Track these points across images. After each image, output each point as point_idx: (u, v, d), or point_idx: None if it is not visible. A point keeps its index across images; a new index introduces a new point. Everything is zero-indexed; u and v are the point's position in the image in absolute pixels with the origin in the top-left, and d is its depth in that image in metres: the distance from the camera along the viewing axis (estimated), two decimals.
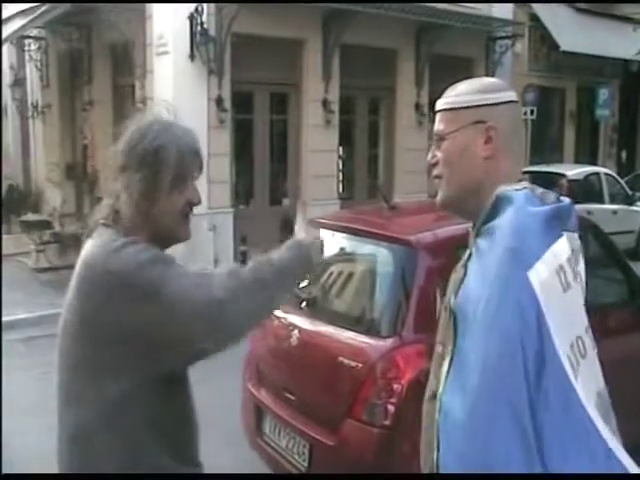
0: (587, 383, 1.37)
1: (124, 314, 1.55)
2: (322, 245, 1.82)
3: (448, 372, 1.44)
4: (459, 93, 1.59)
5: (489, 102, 1.55)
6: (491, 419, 1.32)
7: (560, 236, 1.43)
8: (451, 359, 1.45)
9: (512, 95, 1.59)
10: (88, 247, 1.68)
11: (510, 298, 1.35)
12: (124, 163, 1.67)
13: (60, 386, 1.68)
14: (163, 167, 1.65)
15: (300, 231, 1.82)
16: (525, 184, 1.52)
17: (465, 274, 1.49)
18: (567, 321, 1.38)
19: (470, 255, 1.51)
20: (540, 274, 1.37)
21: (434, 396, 1.53)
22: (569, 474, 1.30)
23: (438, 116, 1.62)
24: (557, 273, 1.39)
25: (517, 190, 1.49)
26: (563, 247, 1.42)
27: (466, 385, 1.36)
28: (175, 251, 1.86)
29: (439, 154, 1.60)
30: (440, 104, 1.63)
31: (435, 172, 1.62)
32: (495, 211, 1.49)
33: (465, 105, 1.56)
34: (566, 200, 1.49)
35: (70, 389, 1.65)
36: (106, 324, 1.56)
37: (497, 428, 1.31)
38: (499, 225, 1.45)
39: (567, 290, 1.40)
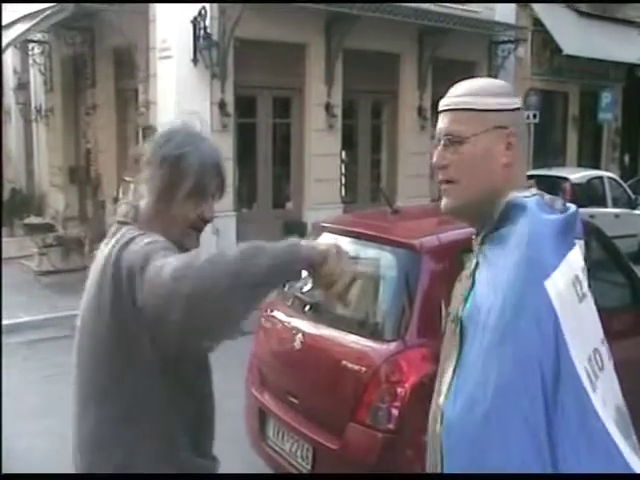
0: (606, 396, 1.34)
1: (129, 304, 1.52)
2: (338, 253, 1.55)
3: (451, 383, 1.41)
4: (473, 93, 1.51)
5: (509, 107, 1.51)
6: (506, 431, 1.29)
7: (573, 245, 1.41)
8: (454, 369, 1.42)
9: (520, 101, 1.58)
10: (104, 247, 1.69)
11: (526, 308, 1.32)
12: (149, 159, 1.71)
13: (80, 384, 1.69)
14: (183, 174, 1.67)
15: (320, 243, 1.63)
16: (535, 190, 1.50)
17: (473, 283, 1.46)
18: (583, 333, 1.36)
19: (477, 264, 1.48)
20: (557, 284, 1.34)
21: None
22: (570, 474, 1.28)
23: (452, 115, 1.52)
24: (573, 284, 1.37)
25: (528, 197, 1.47)
26: (577, 256, 1.40)
27: (475, 396, 1.33)
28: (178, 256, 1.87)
29: (452, 156, 1.51)
30: (451, 103, 1.53)
31: (445, 176, 1.53)
32: (505, 218, 1.47)
33: (487, 108, 1.50)
34: (572, 206, 1.47)
35: (91, 386, 1.66)
36: (118, 315, 1.57)
37: (513, 440, 1.28)
38: (512, 233, 1.42)
39: (582, 301, 1.38)
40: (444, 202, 1.55)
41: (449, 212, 1.56)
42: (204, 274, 1.38)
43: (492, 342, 1.34)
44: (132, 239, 1.60)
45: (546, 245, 1.38)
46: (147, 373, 1.60)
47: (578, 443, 1.28)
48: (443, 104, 1.55)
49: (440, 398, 1.44)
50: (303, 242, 1.54)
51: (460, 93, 1.53)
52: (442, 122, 1.54)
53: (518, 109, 1.54)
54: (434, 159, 1.54)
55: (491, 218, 1.50)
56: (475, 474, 1.35)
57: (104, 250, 1.68)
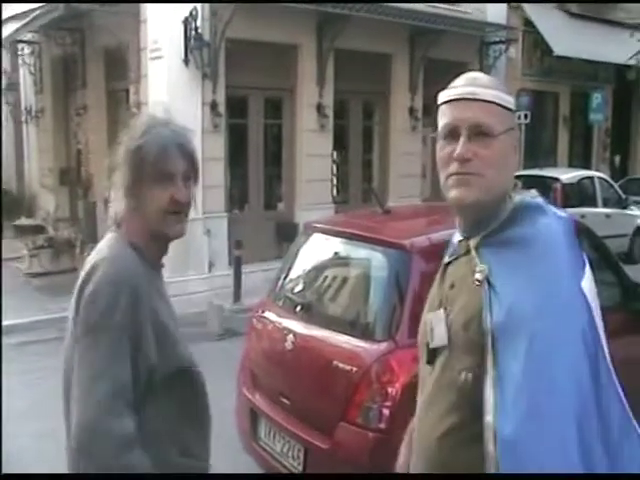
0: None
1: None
2: None
3: (495, 398, 1.31)
4: (496, 86, 1.45)
5: (514, 109, 1.49)
6: (564, 439, 1.25)
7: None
8: (494, 380, 1.32)
9: None
10: (94, 251, 1.75)
11: (571, 313, 1.31)
12: (113, 163, 1.74)
13: (65, 384, 1.70)
14: (143, 163, 1.69)
15: None
16: (536, 193, 1.49)
17: (490, 290, 1.37)
18: (602, 327, 1.38)
19: (490, 270, 1.39)
20: (588, 282, 1.36)
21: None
22: (572, 474, 1.27)
23: (480, 106, 1.42)
24: (593, 281, 1.39)
25: (534, 198, 1.46)
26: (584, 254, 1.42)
27: (529, 408, 1.26)
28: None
29: (479, 150, 1.41)
30: (478, 93, 1.42)
31: (466, 169, 1.42)
32: (515, 220, 1.42)
33: (509, 106, 1.46)
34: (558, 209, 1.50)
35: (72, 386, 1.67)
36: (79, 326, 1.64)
37: (570, 447, 1.25)
38: (533, 234, 1.38)
39: (597, 297, 1.40)
40: (463, 193, 1.43)
41: (469, 204, 1.45)
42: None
43: (542, 349, 1.28)
44: (93, 270, 1.65)
45: (572, 244, 1.37)
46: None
47: (623, 435, 1.32)
48: (466, 92, 1.44)
49: (488, 417, 1.32)
50: None
51: (486, 84, 1.45)
52: (462, 111, 1.43)
53: None
54: (458, 149, 1.42)
55: (491, 219, 1.46)
56: (475, 474, 1.34)
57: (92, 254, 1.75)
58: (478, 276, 1.39)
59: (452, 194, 1.44)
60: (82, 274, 1.68)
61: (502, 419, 1.28)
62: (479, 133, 1.41)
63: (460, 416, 1.41)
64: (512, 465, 1.27)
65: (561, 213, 1.46)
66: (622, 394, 1.36)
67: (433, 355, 1.50)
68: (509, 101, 1.45)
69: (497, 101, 1.42)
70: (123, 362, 1.56)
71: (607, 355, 1.35)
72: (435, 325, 1.49)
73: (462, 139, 1.41)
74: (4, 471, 3.96)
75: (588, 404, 1.27)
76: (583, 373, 1.28)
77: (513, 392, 1.28)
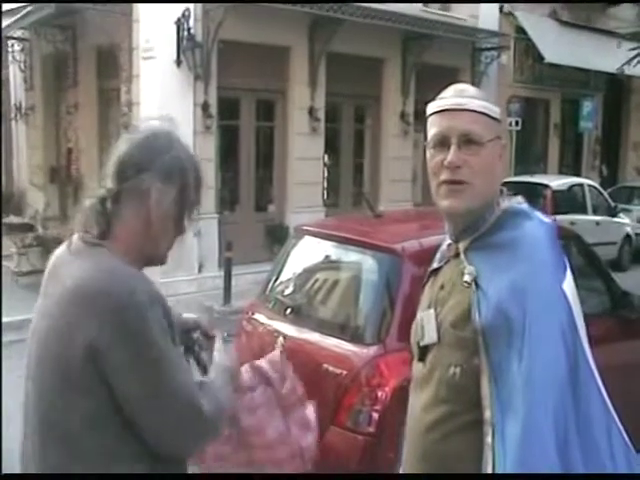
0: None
1: (120, 360, 1.41)
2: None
3: (492, 394, 1.40)
4: (483, 97, 1.51)
5: (500, 118, 1.55)
6: (548, 431, 1.33)
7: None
8: (489, 380, 1.40)
9: None
10: (77, 268, 1.49)
11: (552, 312, 1.38)
12: (145, 166, 1.51)
13: (35, 392, 1.53)
14: (187, 189, 1.55)
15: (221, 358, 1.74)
16: (522, 199, 1.55)
17: (478, 290, 1.44)
18: (583, 328, 1.45)
19: (477, 271, 1.47)
20: (569, 284, 1.42)
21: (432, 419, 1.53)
22: (573, 474, 1.33)
23: (469, 115, 1.49)
24: (573, 283, 1.45)
25: (521, 204, 1.53)
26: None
27: (523, 404, 1.34)
28: None
29: (468, 158, 1.48)
30: (473, 104, 1.49)
31: (456, 176, 1.49)
32: (502, 224, 1.50)
33: (495, 116, 1.52)
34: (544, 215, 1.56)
35: (44, 397, 1.51)
36: (85, 350, 1.41)
37: (547, 439, 1.32)
38: (517, 237, 1.45)
39: (578, 298, 1.46)
40: (454, 202, 1.50)
41: (460, 213, 1.53)
42: (225, 414, 1.59)
43: (532, 349, 1.35)
44: (126, 281, 1.44)
45: (557, 248, 1.45)
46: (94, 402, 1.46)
47: (599, 424, 1.39)
48: (455, 103, 1.50)
49: (486, 412, 1.40)
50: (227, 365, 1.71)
51: (474, 95, 1.52)
52: (452, 121, 1.49)
53: None
54: (449, 157, 1.48)
55: (479, 224, 1.52)
56: (476, 474, 1.39)
57: (77, 271, 1.49)
58: (467, 278, 1.47)
59: (444, 203, 1.52)
60: (77, 298, 1.44)
61: (499, 412, 1.37)
62: (468, 141, 1.47)
63: (448, 408, 1.50)
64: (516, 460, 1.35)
65: (545, 218, 1.52)
66: (603, 391, 1.43)
67: (424, 353, 1.59)
68: (495, 111, 1.52)
69: (484, 111, 1.49)
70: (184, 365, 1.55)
71: (588, 354, 1.42)
72: (425, 324, 1.58)
73: (453, 147, 1.47)
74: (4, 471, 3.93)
75: (565, 399, 1.34)
76: (561, 369, 1.35)
77: (502, 385, 1.37)
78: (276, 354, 2.13)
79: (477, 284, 1.44)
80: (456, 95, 1.51)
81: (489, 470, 1.38)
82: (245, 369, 1.91)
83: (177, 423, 1.46)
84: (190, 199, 1.57)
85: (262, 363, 2.04)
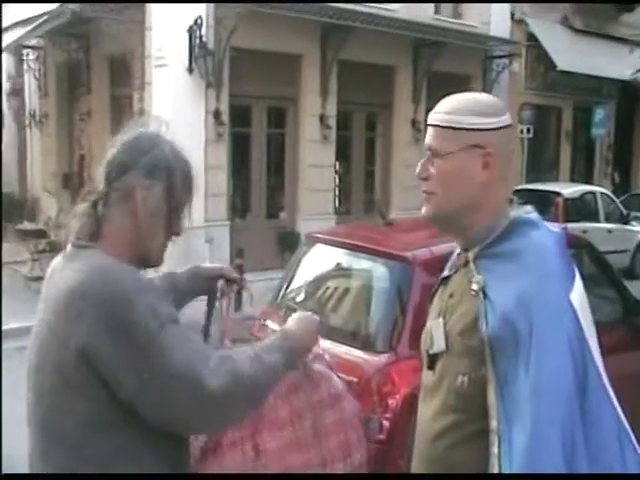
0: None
1: (110, 352, 1.40)
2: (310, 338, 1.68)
3: (499, 402, 1.40)
4: (455, 111, 1.53)
5: (488, 127, 1.51)
6: (555, 441, 1.33)
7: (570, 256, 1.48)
8: (495, 389, 1.41)
9: (508, 119, 1.57)
10: (68, 270, 1.50)
11: (558, 322, 1.38)
12: (128, 166, 1.53)
13: (37, 398, 1.53)
14: (174, 186, 1.54)
15: (294, 324, 1.68)
16: (531, 208, 1.55)
17: (486, 299, 1.45)
18: (593, 335, 1.44)
19: (485, 280, 1.47)
20: (577, 296, 1.41)
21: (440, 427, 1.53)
22: (575, 474, 1.33)
23: (433, 130, 1.57)
24: (583, 292, 1.45)
25: (529, 213, 1.53)
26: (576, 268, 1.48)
27: (529, 414, 1.34)
28: (171, 264, 1.85)
29: (432, 170, 1.56)
30: (434, 119, 1.57)
31: (426, 187, 1.58)
32: (509, 234, 1.50)
33: (464, 127, 1.51)
34: (554, 224, 1.57)
35: (45, 402, 1.51)
36: (83, 351, 1.41)
37: (554, 449, 1.33)
38: (525, 247, 1.46)
39: (588, 307, 1.46)
40: (424, 210, 1.61)
41: (428, 219, 1.62)
42: (251, 395, 1.51)
43: (538, 359, 1.36)
44: (118, 274, 1.45)
45: (564, 258, 1.45)
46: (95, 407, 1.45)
47: (600, 433, 1.37)
48: (429, 118, 1.60)
49: (493, 422, 1.41)
50: (294, 350, 1.62)
51: (442, 110, 1.56)
52: (427, 135, 1.60)
53: (502, 128, 1.53)
54: (417, 169, 1.60)
55: (485, 232, 1.53)
56: (475, 474, 1.41)
57: (62, 279, 1.49)
58: (474, 286, 1.48)
59: (422, 211, 1.64)
60: (75, 297, 1.43)
61: (506, 422, 1.38)
62: (432, 154, 1.56)
63: (456, 417, 1.51)
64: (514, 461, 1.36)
65: (553, 228, 1.52)
66: (615, 403, 1.42)
67: (433, 361, 1.60)
68: (464, 122, 1.51)
69: (444, 124, 1.53)
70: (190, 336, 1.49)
71: (598, 364, 1.41)
72: (434, 332, 1.59)
73: (422, 160, 1.59)
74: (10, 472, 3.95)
75: (573, 410, 1.34)
76: (568, 380, 1.35)
77: (508, 395, 1.38)
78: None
79: (485, 293, 1.45)
80: (434, 110, 1.58)
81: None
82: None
83: (176, 400, 1.42)
84: (178, 197, 1.56)
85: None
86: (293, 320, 1.69)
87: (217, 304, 1.85)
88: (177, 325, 1.48)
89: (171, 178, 1.55)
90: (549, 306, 1.38)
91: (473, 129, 1.51)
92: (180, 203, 1.58)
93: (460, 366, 1.49)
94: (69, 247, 1.57)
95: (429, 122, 1.58)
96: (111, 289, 1.42)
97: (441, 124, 1.54)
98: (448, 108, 1.55)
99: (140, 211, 1.53)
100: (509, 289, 1.41)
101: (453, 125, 1.52)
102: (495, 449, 1.39)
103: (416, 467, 1.65)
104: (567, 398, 1.34)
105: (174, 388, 1.42)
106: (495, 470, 1.38)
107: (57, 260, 1.62)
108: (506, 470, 1.36)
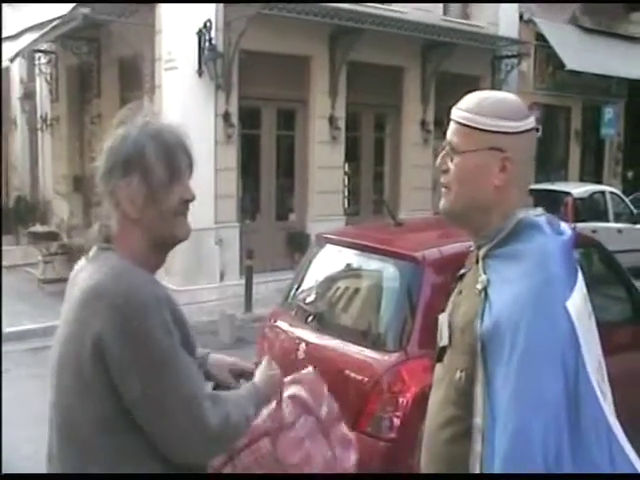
0: (610, 405, 1.43)
1: (118, 355, 1.44)
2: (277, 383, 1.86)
3: (485, 401, 1.42)
4: (479, 110, 1.52)
5: (510, 130, 1.51)
6: (537, 447, 1.32)
7: (576, 262, 1.48)
8: (483, 389, 1.43)
9: (531, 122, 1.56)
10: (89, 271, 1.57)
11: (550, 329, 1.37)
12: (107, 171, 1.59)
13: (57, 397, 1.58)
14: (150, 166, 1.56)
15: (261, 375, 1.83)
16: (541, 211, 1.55)
17: (486, 299, 1.46)
18: (592, 346, 1.43)
19: (488, 280, 1.48)
20: (575, 303, 1.40)
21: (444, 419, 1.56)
22: (573, 474, 1.33)
23: (454, 126, 1.56)
24: (585, 301, 1.44)
25: (538, 216, 1.52)
26: (581, 275, 1.47)
27: (514, 417, 1.35)
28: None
29: (450, 165, 1.56)
30: (457, 115, 1.56)
31: (444, 180, 1.59)
32: (516, 235, 1.50)
33: (484, 128, 1.51)
34: (565, 224, 1.54)
35: (63, 401, 1.56)
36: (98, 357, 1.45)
37: (536, 455, 1.32)
38: (529, 250, 1.46)
39: (591, 317, 1.46)
40: (440, 203, 1.62)
41: (443, 215, 1.62)
42: (233, 438, 1.65)
43: (524, 363, 1.36)
44: (132, 282, 1.49)
45: (564, 264, 1.44)
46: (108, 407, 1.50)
47: (591, 445, 1.36)
48: (452, 112, 1.58)
49: (477, 419, 1.44)
50: (258, 386, 1.78)
51: (466, 107, 1.55)
52: (449, 129, 1.59)
53: (524, 132, 1.53)
54: (437, 161, 1.60)
55: (497, 233, 1.53)
56: (475, 474, 1.41)
57: (82, 279, 1.56)
58: (478, 286, 1.50)
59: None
60: (88, 299, 1.49)
61: (491, 423, 1.38)
62: (451, 149, 1.56)
63: (456, 411, 1.53)
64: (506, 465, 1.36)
65: (562, 231, 1.51)
66: (607, 412, 1.40)
67: (441, 354, 1.64)
68: (486, 123, 1.51)
69: (465, 122, 1.53)
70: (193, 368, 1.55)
71: (590, 372, 1.39)
72: (442, 327, 1.64)
73: (442, 153, 1.58)
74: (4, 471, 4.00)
75: (558, 416, 1.33)
76: (556, 387, 1.34)
77: (494, 396, 1.39)
78: (310, 372, 2.07)
79: (486, 293, 1.47)
80: (457, 106, 1.57)
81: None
82: (285, 403, 1.90)
83: (179, 431, 1.47)
84: (157, 177, 1.56)
85: (300, 392, 1.98)
86: (262, 376, 1.83)
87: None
88: (184, 351, 1.52)
89: (144, 164, 1.56)
90: (542, 312, 1.37)
91: (494, 131, 1.51)
92: (163, 179, 1.56)
93: (460, 362, 1.52)
94: (93, 249, 1.62)
95: (452, 117, 1.57)
96: (128, 296, 1.46)
97: (463, 122, 1.54)
98: (472, 106, 1.54)
99: (131, 210, 1.56)
100: (507, 291, 1.43)
101: (474, 125, 1.52)
102: (478, 447, 1.41)
103: (424, 456, 1.68)
104: (552, 404, 1.33)
105: (180, 416, 1.47)
106: (477, 469, 1.40)
107: (81, 262, 1.67)
108: (488, 469, 1.37)
